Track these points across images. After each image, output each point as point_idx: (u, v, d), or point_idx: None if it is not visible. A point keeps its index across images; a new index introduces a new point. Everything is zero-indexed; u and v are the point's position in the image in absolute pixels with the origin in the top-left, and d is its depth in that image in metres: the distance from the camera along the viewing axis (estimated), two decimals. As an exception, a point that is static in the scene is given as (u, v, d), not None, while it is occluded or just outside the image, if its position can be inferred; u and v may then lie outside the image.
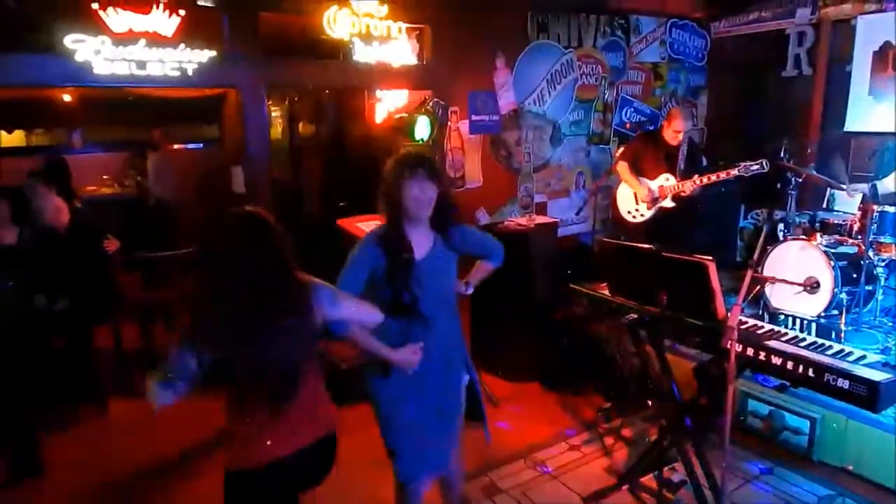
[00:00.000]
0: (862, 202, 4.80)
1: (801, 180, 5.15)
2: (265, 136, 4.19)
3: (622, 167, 5.07)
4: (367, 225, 5.25)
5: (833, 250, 4.95)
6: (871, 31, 5.58)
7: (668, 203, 4.92)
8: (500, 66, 5.25)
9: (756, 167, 4.37)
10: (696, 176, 4.75)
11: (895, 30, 5.43)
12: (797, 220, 5.40)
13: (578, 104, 5.88)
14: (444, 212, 2.24)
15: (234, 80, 4.02)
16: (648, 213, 5.00)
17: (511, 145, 5.49)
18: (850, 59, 5.76)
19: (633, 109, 6.33)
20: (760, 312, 5.15)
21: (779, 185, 5.50)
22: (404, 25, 4.60)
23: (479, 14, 5.05)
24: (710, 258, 2.52)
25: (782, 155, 5.32)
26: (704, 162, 5.10)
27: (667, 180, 4.89)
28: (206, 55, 3.83)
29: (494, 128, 5.34)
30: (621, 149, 5.26)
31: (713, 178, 4.66)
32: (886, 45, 5.53)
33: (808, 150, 6.11)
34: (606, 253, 2.95)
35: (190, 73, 3.80)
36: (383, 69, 4.62)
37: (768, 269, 5.14)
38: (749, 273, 2.69)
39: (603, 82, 6.02)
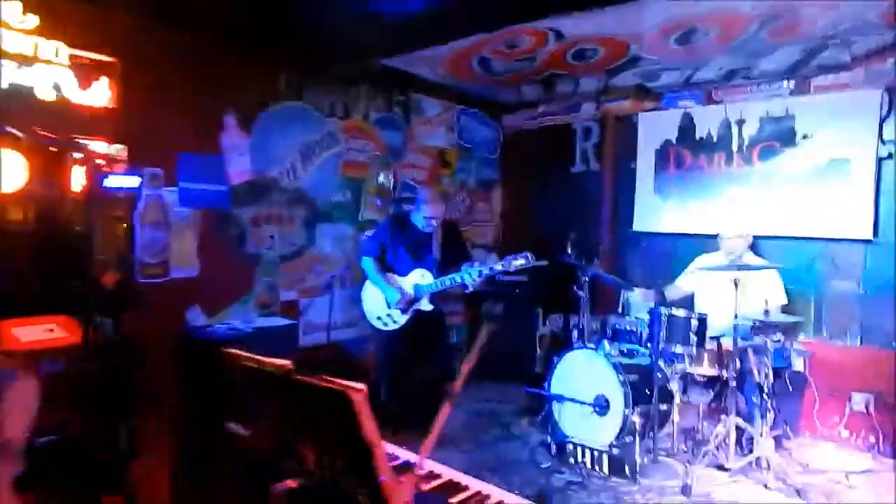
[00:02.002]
0: (652, 309, 4.13)
1: (586, 280, 4.46)
2: None
3: (367, 263, 4.06)
4: (31, 330, 3.59)
5: (626, 360, 4.21)
6: (653, 129, 5.35)
7: (425, 305, 3.92)
8: (230, 126, 4.12)
9: (521, 261, 3.54)
10: (465, 270, 3.82)
11: (675, 128, 5.22)
12: (591, 325, 4.70)
13: (345, 183, 4.89)
14: None
15: None
16: (402, 319, 3.96)
17: (246, 224, 4.26)
18: (634, 156, 5.47)
19: (414, 195, 5.47)
20: (549, 440, 4.18)
21: (574, 287, 4.81)
22: (71, 51, 3.35)
23: (202, 59, 3.95)
24: (361, 386, 1.38)
25: (569, 252, 4.66)
26: (493, 262, 4.17)
27: (422, 277, 3.93)
28: None
29: (220, 201, 4.10)
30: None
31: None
32: (667, 144, 5.29)
33: (601, 248, 5.61)
34: (235, 372, 1.73)
35: None
36: (35, 104, 3.26)
37: (556, 385, 4.25)
38: (447, 406, 1.58)
39: (377, 161, 5.13)
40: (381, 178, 5.14)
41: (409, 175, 5.42)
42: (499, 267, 3.62)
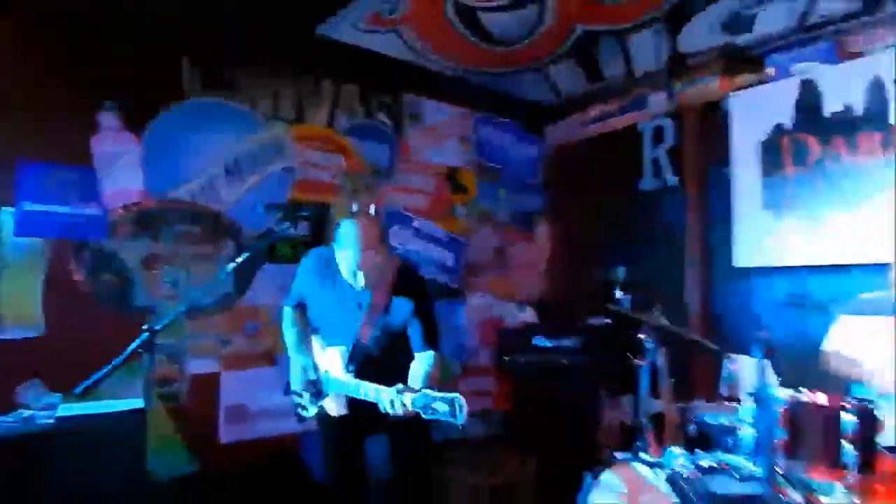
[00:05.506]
0: (757, 389, 2.25)
1: (647, 341, 2.70)
2: None
3: (284, 315, 2.60)
4: None
5: (721, 487, 2.32)
6: (754, 114, 3.56)
7: (331, 407, 2.35)
8: (107, 126, 2.97)
9: (443, 406, 1.84)
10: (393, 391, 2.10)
11: (790, 107, 3.40)
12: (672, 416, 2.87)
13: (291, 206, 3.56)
14: None
15: None
16: (312, 410, 2.42)
17: (132, 265, 3.01)
18: (727, 158, 3.67)
19: (413, 231, 4.03)
20: None
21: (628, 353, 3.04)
22: None
23: (59, 31, 2.90)
24: None
25: (618, 299, 3.00)
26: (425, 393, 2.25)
27: (333, 363, 2.36)
28: None
29: (89, 230, 2.90)
30: None
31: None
32: (779, 133, 3.46)
33: (687, 300, 3.76)
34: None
35: None
36: None
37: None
38: None
39: (351, 183, 3.77)
40: (355, 206, 3.75)
41: (402, 202, 4.00)
42: (416, 404, 1.95)
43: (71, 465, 2.21)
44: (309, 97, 3.63)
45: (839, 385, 2.48)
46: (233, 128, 3.35)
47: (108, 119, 2.97)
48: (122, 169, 2.99)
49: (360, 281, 2.29)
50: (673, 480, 2.17)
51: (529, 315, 4.33)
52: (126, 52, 2.99)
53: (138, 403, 2.53)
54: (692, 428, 2.67)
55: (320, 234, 3.58)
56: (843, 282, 3.06)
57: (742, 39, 3.40)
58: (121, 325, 2.93)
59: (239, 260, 2.13)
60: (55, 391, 2.71)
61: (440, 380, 2.26)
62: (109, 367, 1.93)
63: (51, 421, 2.25)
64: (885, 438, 2.04)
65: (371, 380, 2.21)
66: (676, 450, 2.38)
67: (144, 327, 1.95)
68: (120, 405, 2.49)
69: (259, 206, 3.27)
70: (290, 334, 2.56)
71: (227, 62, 3.32)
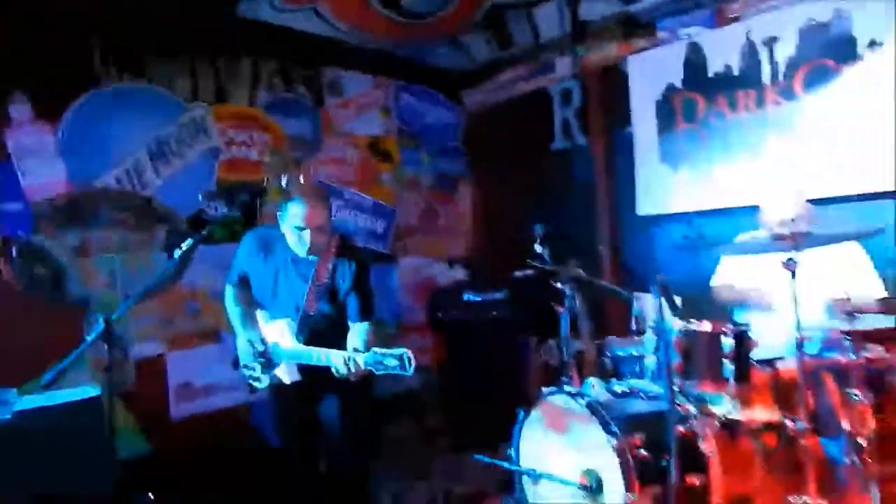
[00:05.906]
0: (656, 322, 2.63)
1: (565, 289, 3.03)
2: None
3: (227, 293, 2.76)
4: None
5: (631, 407, 2.71)
6: (648, 75, 3.90)
7: (284, 376, 2.56)
8: (19, 118, 2.91)
9: (393, 362, 2.14)
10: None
11: (679, 68, 3.76)
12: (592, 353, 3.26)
13: (230, 189, 3.62)
14: None
15: None
16: (266, 380, 2.61)
17: (64, 257, 3.01)
18: (628, 117, 4.02)
19: (343, 202, 4.17)
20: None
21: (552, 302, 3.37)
22: None
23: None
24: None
25: (539, 252, 3.28)
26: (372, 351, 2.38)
27: (281, 334, 2.56)
28: None
29: (12, 226, 2.88)
30: None
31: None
32: (670, 91, 3.83)
33: (600, 248, 4.16)
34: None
35: None
36: None
37: (526, 451, 2.79)
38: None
39: (278, 159, 3.85)
40: (285, 181, 3.84)
41: (330, 174, 4.12)
42: (368, 362, 2.20)
43: (38, 458, 2.29)
44: (228, 76, 3.64)
45: (725, 314, 2.92)
46: (152, 111, 3.33)
47: (20, 111, 2.90)
48: (41, 161, 2.95)
49: (306, 240, 2.45)
50: (592, 406, 2.52)
51: (459, 273, 4.61)
52: (34, 41, 2.91)
53: (90, 392, 2.63)
54: (607, 361, 3.06)
55: (254, 214, 3.66)
56: (727, 223, 3.50)
57: (635, 8, 3.69)
58: (59, 317, 2.97)
59: (185, 247, 2.23)
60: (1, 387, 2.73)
61: (375, 345, 2.51)
62: (71, 357, 2.01)
63: (8, 416, 2.30)
64: (757, 354, 2.47)
65: (319, 346, 2.42)
66: (594, 380, 2.75)
67: (101, 318, 2.03)
68: (72, 395, 2.56)
69: (199, 195, 3.31)
70: (234, 311, 2.70)
71: (141, 45, 3.28)
